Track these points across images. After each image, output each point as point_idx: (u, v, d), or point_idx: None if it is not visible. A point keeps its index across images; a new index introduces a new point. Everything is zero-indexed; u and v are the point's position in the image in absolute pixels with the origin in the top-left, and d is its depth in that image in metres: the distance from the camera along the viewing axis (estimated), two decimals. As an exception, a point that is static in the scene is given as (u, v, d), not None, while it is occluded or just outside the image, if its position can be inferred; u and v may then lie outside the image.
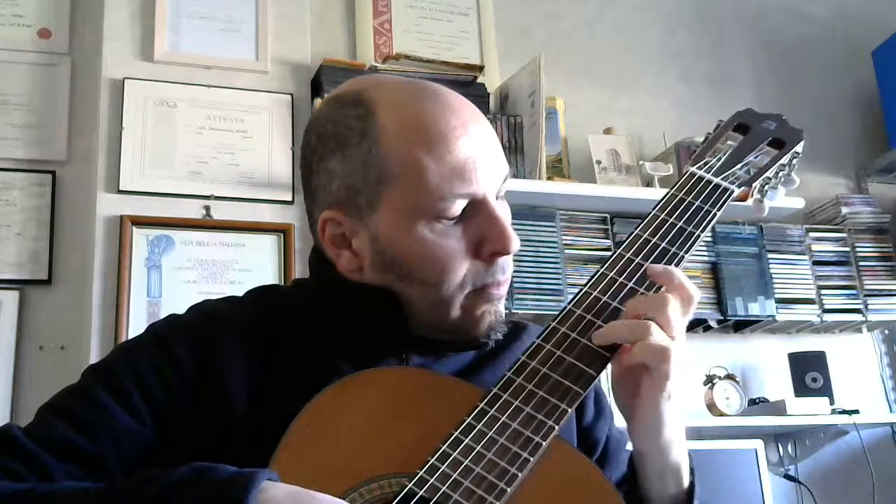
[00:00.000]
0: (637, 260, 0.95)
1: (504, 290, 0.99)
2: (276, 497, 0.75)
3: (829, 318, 2.95)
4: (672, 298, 0.90)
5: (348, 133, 0.96)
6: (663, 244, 0.96)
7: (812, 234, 3.05)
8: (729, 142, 1.08)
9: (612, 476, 1.06)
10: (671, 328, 0.88)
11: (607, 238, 2.79)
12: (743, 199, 1.04)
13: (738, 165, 1.04)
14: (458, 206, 0.93)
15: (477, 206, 0.95)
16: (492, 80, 2.90)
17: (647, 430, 0.91)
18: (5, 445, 0.87)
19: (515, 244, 0.95)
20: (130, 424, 0.92)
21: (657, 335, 0.87)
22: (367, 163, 0.94)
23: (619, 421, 1.13)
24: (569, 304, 0.93)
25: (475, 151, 0.94)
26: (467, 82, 2.69)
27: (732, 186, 1.02)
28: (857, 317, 2.98)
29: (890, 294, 3.03)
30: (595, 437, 1.07)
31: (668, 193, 1.01)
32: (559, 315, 0.92)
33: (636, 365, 0.88)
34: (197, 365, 0.96)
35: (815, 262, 3.01)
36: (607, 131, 2.98)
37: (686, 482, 0.95)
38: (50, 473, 0.86)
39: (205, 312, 1.03)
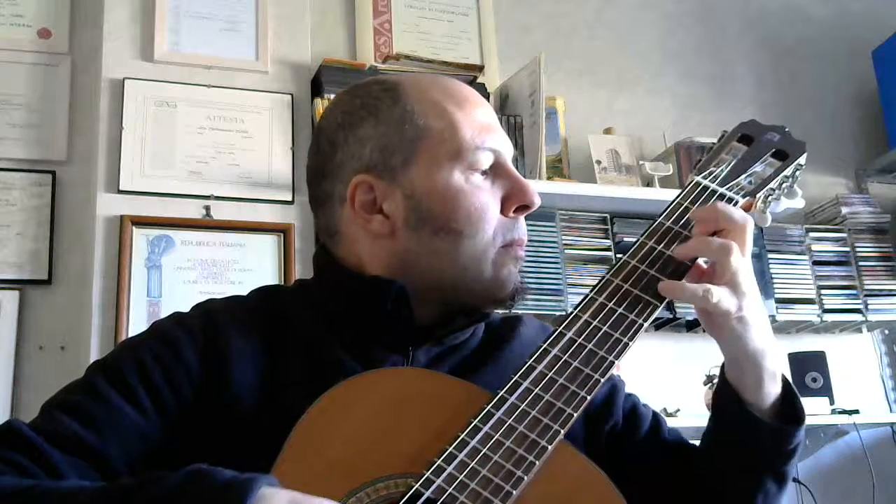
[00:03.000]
0: (642, 267, 0.96)
1: (523, 253, 1.04)
2: None
3: (829, 318, 2.95)
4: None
5: (379, 101, 1.03)
6: (668, 252, 0.96)
7: (812, 234, 3.05)
8: (733, 152, 1.08)
9: (644, 430, 1.08)
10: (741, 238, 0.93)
11: (607, 238, 2.79)
12: (747, 209, 1.04)
13: (742, 176, 1.05)
14: (487, 159, 1.01)
15: (499, 167, 1.02)
16: (492, 80, 2.91)
17: (734, 336, 0.93)
18: (9, 439, 0.87)
19: (538, 198, 1.02)
20: (136, 420, 0.92)
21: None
22: (402, 120, 1.01)
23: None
24: (575, 309, 0.94)
25: (493, 119, 1.05)
26: (467, 82, 2.68)
27: (737, 196, 1.03)
28: (857, 317, 2.99)
29: (890, 294, 3.04)
30: (615, 416, 1.08)
31: (672, 202, 1.02)
32: (565, 320, 0.93)
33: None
34: (202, 363, 0.96)
35: (815, 262, 3.02)
36: (607, 131, 2.98)
37: (780, 386, 0.97)
38: (55, 467, 0.86)
39: (209, 311, 1.03)
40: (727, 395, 0.97)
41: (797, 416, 0.96)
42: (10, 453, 0.85)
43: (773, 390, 0.95)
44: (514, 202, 1.01)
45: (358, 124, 1.02)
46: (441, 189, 0.98)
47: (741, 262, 0.92)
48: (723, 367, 0.98)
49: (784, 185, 1.10)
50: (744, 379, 0.95)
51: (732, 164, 1.07)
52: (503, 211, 1.01)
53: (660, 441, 1.09)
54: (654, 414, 1.13)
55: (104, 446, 0.89)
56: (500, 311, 1.07)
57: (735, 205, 1.02)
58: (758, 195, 1.05)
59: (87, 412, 0.91)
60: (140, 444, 0.91)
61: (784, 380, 0.97)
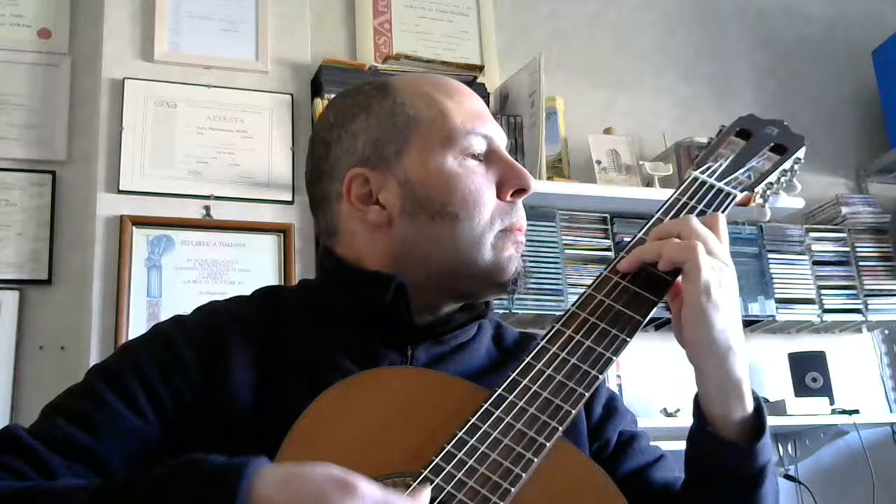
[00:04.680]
0: None
1: (524, 238, 1.04)
2: (266, 490, 0.73)
3: (829, 318, 2.95)
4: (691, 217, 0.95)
5: (369, 98, 1.04)
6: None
7: (812, 234, 3.05)
8: (731, 147, 1.08)
9: (631, 465, 1.05)
10: (694, 233, 0.91)
11: (607, 238, 2.79)
12: (745, 203, 1.04)
13: (741, 170, 1.05)
14: (480, 144, 1.02)
15: (493, 153, 1.03)
16: (492, 80, 2.91)
17: (697, 337, 0.90)
18: (9, 445, 0.87)
19: (534, 183, 1.03)
20: (136, 424, 0.91)
21: (676, 240, 0.91)
22: (393, 112, 1.02)
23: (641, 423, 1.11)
24: (573, 306, 0.94)
25: (484, 108, 1.06)
26: (467, 82, 2.69)
27: (735, 191, 1.03)
28: (857, 317, 2.99)
29: (890, 294, 3.04)
30: (605, 437, 1.07)
31: (671, 197, 1.01)
32: (563, 317, 0.93)
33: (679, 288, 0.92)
34: (202, 366, 0.96)
35: (815, 262, 3.01)
36: (607, 131, 2.98)
37: (750, 406, 0.93)
38: (55, 473, 0.86)
39: (210, 313, 1.03)
40: (696, 429, 0.95)
41: (762, 426, 0.93)
42: (11, 459, 0.85)
43: (734, 406, 0.92)
44: (510, 186, 1.02)
45: (350, 121, 1.04)
46: (435, 174, 0.99)
47: (708, 257, 0.90)
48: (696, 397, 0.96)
49: (783, 179, 1.10)
50: (705, 385, 0.93)
51: (731, 158, 1.06)
52: (500, 195, 1.02)
53: (642, 479, 1.05)
54: (661, 457, 1.08)
55: (104, 451, 0.89)
56: (518, 327, 1.06)
57: (733, 199, 1.02)
58: (756, 189, 1.05)
59: (87, 417, 0.90)
60: (140, 448, 0.91)
61: (758, 404, 0.94)
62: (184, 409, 0.94)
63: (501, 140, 1.05)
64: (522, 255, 1.03)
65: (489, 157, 1.03)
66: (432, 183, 0.99)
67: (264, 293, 1.08)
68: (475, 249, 0.99)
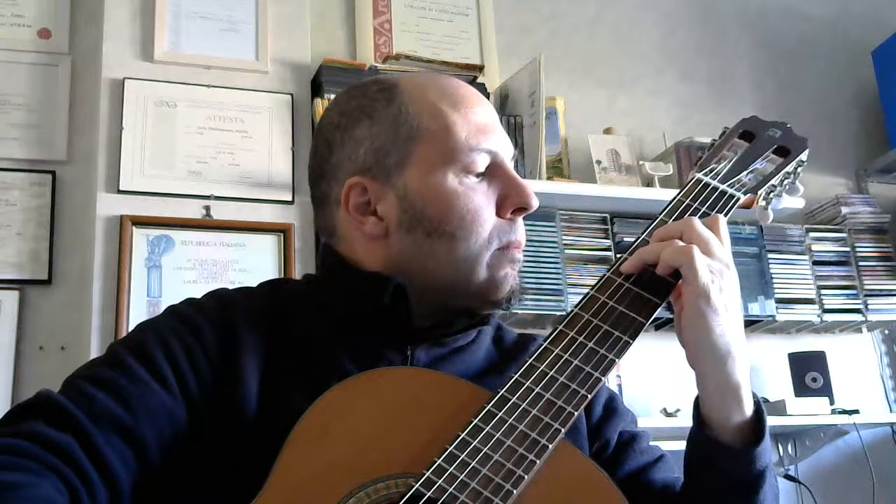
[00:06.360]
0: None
1: (521, 255, 1.03)
2: None
3: (829, 318, 2.95)
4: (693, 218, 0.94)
5: (374, 102, 1.02)
6: None
7: (812, 234, 3.05)
8: (734, 149, 1.08)
9: (632, 466, 1.05)
10: (696, 235, 0.91)
11: (607, 238, 2.79)
12: (748, 206, 1.04)
13: (744, 172, 1.05)
14: (482, 161, 1.00)
15: (496, 169, 1.01)
16: (492, 80, 2.91)
17: (695, 341, 0.90)
18: (54, 415, 0.86)
19: (536, 200, 1.01)
20: (164, 398, 0.91)
21: (679, 242, 0.90)
22: (397, 121, 1.00)
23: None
24: (575, 307, 0.93)
25: (491, 119, 1.03)
26: (467, 82, 2.69)
27: (738, 193, 1.02)
28: (857, 317, 2.99)
29: (890, 294, 3.04)
30: (605, 437, 1.06)
31: (674, 199, 1.01)
32: (565, 318, 0.93)
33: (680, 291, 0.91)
34: (219, 348, 0.96)
35: (815, 262, 3.01)
36: (607, 131, 2.98)
37: (749, 410, 0.92)
38: (95, 445, 0.85)
39: (223, 299, 1.03)
40: (695, 432, 0.95)
41: (762, 430, 0.92)
42: (60, 434, 0.84)
43: (732, 409, 0.92)
44: (510, 204, 1.00)
45: (354, 125, 1.02)
46: (434, 191, 0.98)
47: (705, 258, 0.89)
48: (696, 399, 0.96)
49: (786, 182, 1.10)
50: (705, 387, 0.92)
51: (734, 160, 1.06)
52: (500, 213, 1.00)
53: (643, 479, 1.04)
54: (661, 457, 1.08)
55: (137, 423, 0.88)
56: (518, 327, 1.05)
57: (736, 202, 1.02)
58: (759, 192, 1.05)
59: (120, 388, 0.90)
60: (169, 424, 0.91)
61: (758, 409, 0.94)
62: (203, 390, 0.94)
63: (507, 152, 1.03)
64: (521, 269, 1.03)
65: (491, 172, 1.01)
66: (431, 199, 0.98)
67: (270, 286, 1.08)
68: (470, 268, 0.98)
